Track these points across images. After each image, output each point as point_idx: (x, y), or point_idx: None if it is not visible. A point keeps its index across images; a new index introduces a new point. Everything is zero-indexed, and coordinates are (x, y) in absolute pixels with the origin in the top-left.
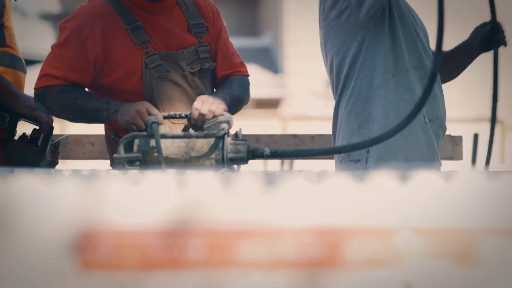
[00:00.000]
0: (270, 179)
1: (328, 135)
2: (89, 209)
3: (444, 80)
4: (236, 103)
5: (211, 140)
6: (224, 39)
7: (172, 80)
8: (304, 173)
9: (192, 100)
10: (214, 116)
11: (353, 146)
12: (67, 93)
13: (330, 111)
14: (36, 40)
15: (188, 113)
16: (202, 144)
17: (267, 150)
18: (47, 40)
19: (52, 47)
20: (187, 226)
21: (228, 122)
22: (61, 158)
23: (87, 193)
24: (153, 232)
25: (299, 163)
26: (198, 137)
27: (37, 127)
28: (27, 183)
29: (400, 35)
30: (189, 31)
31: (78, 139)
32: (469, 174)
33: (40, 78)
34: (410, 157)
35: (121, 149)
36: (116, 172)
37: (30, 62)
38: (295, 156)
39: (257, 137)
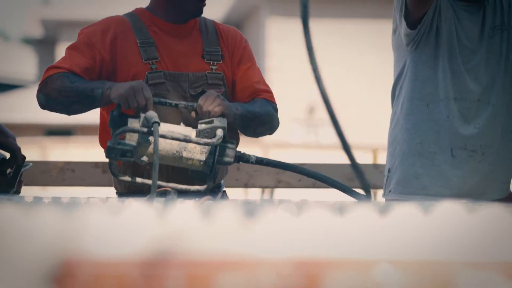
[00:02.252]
0: (250, 209)
1: (309, 164)
2: (68, 239)
3: None
4: (252, 118)
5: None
6: (246, 67)
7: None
8: (284, 205)
9: (188, 121)
10: (209, 115)
11: (332, 182)
12: (66, 78)
13: (312, 139)
14: (18, 64)
15: (179, 102)
16: (195, 145)
17: (253, 157)
18: (29, 65)
19: (66, 49)
20: (167, 257)
21: (224, 128)
22: (42, 185)
23: (66, 222)
24: (132, 263)
25: (279, 193)
26: (198, 143)
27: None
28: (6, 211)
29: (441, 66)
30: (202, 57)
31: (59, 166)
32: (448, 206)
33: (45, 72)
34: (427, 186)
35: (117, 139)
36: (96, 200)
37: (12, 87)
38: (278, 167)
39: (237, 166)
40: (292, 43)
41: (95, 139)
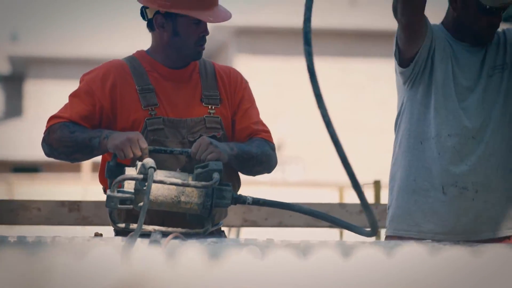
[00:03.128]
0: (214, 251)
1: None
2: (33, 279)
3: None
4: (248, 159)
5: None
6: (245, 109)
7: (166, 146)
8: (248, 248)
9: (184, 167)
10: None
11: (331, 219)
12: (66, 127)
13: (279, 176)
14: None
15: (173, 149)
16: (192, 189)
17: (249, 198)
18: None
19: (68, 96)
20: None
21: (220, 171)
22: (7, 223)
23: (31, 263)
24: None
25: (246, 232)
26: (195, 187)
27: None
28: None
29: (434, 104)
30: (201, 101)
31: (25, 205)
32: (411, 248)
33: (48, 121)
34: (420, 223)
35: (115, 188)
36: (62, 239)
37: None
38: (275, 206)
39: None
40: (260, 80)
41: (62, 176)
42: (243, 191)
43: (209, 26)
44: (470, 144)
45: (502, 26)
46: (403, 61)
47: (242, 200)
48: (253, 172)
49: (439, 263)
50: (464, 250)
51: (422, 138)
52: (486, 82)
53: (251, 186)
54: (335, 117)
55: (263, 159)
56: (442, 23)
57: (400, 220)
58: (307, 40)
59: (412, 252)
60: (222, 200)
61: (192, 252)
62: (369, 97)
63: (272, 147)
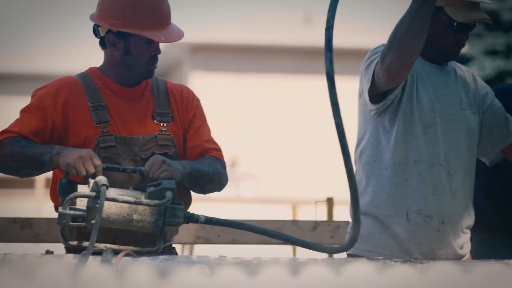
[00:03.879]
0: (163, 270)
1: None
2: None
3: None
4: (200, 177)
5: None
6: (197, 127)
7: (119, 163)
8: (197, 266)
9: (137, 185)
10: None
11: (285, 236)
12: (17, 142)
13: (233, 192)
14: None
15: (126, 167)
16: (145, 208)
17: (202, 217)
18: None
19: (20, 111)
20: None
21: (173, 190)
22: None
23: None
24: None
25: (199, 249)
26: (148, 205)
27: None
28: None
29: (402, 132)
30: (153, 118)
31: None
32: (358, 266)
33: None
34: (383, 245)
35: (67, 205)
36: (13, 257)
37: None
38: (228, 226)
39: None
40: (214, 97)
41: (15, 192)
42: (197, 207)
43: (163, 43)
44: (436, 172)
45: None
46: (374, 97)
47: (194, 219)
48: (204, 190)
49: (387, 281)
50: (412, 268)
51: (387, 165)
52: (456, 114)
53: (205, 202)
54: (288, 133)
55: (214, 177)
56: None
57: (363, 241)
58: (329, 47)
59: (360, 270)
60: (174, 218)
61: (141, 271)
62: (323, 114)
63: (223, 165)
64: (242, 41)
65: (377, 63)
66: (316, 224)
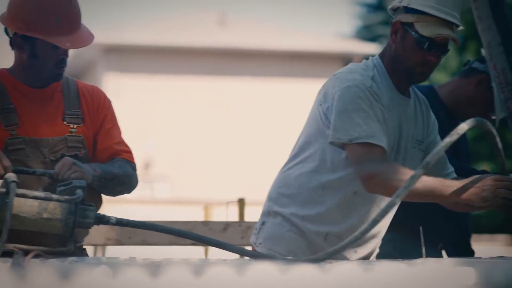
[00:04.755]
0: (67, 271)
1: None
2: None
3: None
4: (111, 179)
5: (64, 204)
6: (108, 128)
7: (28, 166)
8: (100, 268)
9: (47, 188)
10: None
11: (197, 237)
12: None
13: (147, 194)
14: None
15: (36, 170)
16: (55, 206)
17: (113, 219)
18: None
19: None
20: None
21: (83, 188)
22: None
23: None
24: None
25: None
26: (58, 200)
27: None
28: None
29: (349, 161)
30: (63, 120)
31: None
32: (261, 266)
33: None
34: (297, 253)
35: None
36: None
37: None
38: (139, 227)
39: None
40: (129, 98)
41: None
42: (111, 209)
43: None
44: (371, 206)
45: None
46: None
47: (105, 220)
48: (114, 193)
49: (288, 280)
50: (315, 268)
51: (326, 187)
52: (407, 152)
53: (119, 204)
54: (202, 135)
55: (125, 179)
56: (380, 55)
57: (279, 243)
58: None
59: (263, 270)
60: (85, 219)
61: (44, 273)
62: (237, 116)
63: (134, 168)
64: (157, 43)
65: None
66: (227, 225)
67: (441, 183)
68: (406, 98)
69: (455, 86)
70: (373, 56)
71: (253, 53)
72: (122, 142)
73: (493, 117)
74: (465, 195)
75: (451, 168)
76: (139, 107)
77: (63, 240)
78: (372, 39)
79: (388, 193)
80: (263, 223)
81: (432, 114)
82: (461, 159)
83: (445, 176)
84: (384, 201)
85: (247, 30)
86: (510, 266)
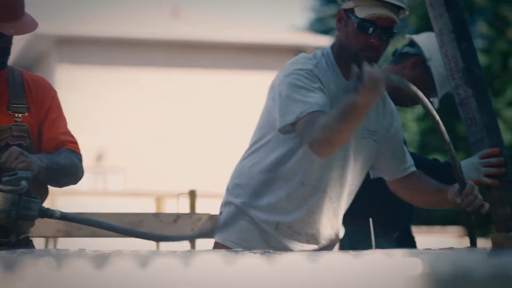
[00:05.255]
0: (11, 262)
1: (100, 214)
2: None
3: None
4: (58, 169)
5: (8, 195)
6: (53, 119)
7: None
8: (44, 259)
9: None
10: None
11: (142, 234)
12: None
13: (99, 186)
14: None
15: None
16: None
17: (57, 213)
18: None
19: None
20: None
21: (28, 179)
22: None
23: None
24: None
25: (64, 243)
26: (1, 191)
27: None
28: None
29: (301, 151)
30: (7, 109)
31: None
32: (207, 257)
33: None
34: (249, 241)
35: None
36: None
37: None
38: (85, 223)
39: None
40: (82, 90)
41: None
42: (64, 200)
43: (29, 35)
44: (320, 197)
45: None
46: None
47: (49, 214)
48: (60, 184)
49: (234, 271)
50: (261, 259)
51: (275, 177)
52: (356, 141)
53: (72, 195)
54: (155, 127)
55: (71, 170)
56: (331, 46)
57: (232, 231)
58: None
59: (208, 261)
60: (28, 211)
61: None
62: (190, 108)
63: (80, 158)
64: (110, 34)
65: (302, 119)
66: (177, 217)
67: (345, 101)
68: None
69: (390, 73)
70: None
71: (206, 45)
72: (67, 133)
73: (432, 99)
74: (366, 93)
75: (410, 161)
76: (92, 99)
77: (5, 231)
78: (325, 31)
79: (329, 145)
80: (220, 213)
81: (389, 103)
82: None
83: (404, 170)
84: (334, 190)
85: (200, 22)
86: (456, 257)
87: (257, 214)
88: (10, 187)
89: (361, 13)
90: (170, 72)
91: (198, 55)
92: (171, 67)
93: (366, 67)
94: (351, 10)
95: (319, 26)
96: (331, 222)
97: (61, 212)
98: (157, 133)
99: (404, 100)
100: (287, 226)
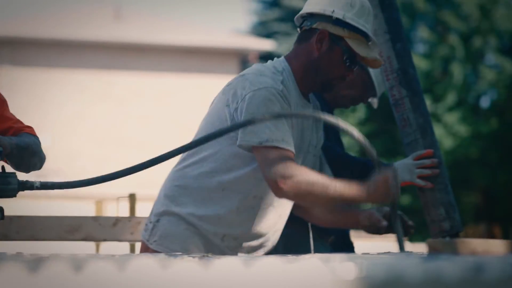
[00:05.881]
0: None
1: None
2: None
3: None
4: (26, 148)
5: None
6: (2, 112)
7: None
8: None
9: None
10: None
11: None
12: None
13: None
14: None
15: None
16: None
17: (37, 183)
18: None
19: None
20: None
21: (0, 153)
22: None
23: None
24: None
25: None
26: None
27: None
28: None
29: (255, 165)
30: None
31: None
32: (141, 260)
33: None
34: (192, 252)
35: None
36: None
37: None
38: (65, 187)
39: None
40: (22, 92)
41: None
42: (2, 204)
43: None
44: (269, 211)
45: None
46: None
47: (29, 186)
48: (30, 165)
49: (170, 275)
50: (196, 262)
51: (226, 188)
52: (304, 157)
53: (11, 199)
54: (95, 129)
55: (36, 149)
56: (287, 59)
57: (175, 241)
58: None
59: (144, 265)
60: (7, 186)
61: None
62: (132, 111)
63: (39, 140)
64: (51, 36)
65: (267, 146)
66: (117, 220)
67: (351, 187)
68: (308, 104)
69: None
70: (268, 52)
71: (148, 48)
72: (20, 121)
73: (370, 100)
74: (376, 197)
75: (329, 173)
76: (33, 101)
77: None
78: (268, 35)
79: (298, 198)
80: (157, 221)
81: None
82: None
83: None
84: (283, 207)
85: (142, 25)
86: (391, 262)
87: (204, 225)
88: None
89: (361, 50)
90: (112, 74)
91: (140, 58)
92: (113, 69)
93: (392, 176)
94: (339, 38)
95: (261, 29)
96: (276, 233)
97: (40, 182)
98: (97, 135)
99: (344, 102)
100: (234, 237)
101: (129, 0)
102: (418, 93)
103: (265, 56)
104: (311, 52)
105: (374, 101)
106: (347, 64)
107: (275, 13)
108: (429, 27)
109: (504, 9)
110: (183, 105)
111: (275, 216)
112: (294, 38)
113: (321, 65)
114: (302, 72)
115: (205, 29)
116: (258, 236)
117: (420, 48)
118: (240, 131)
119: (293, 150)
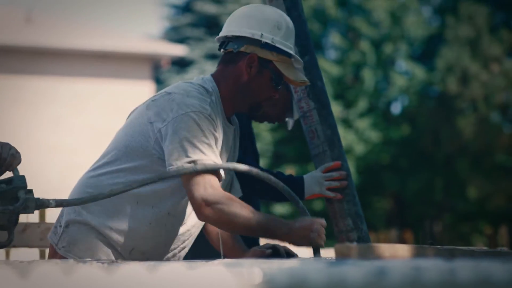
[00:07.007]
0: None
1: None
2: None
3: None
4: None
5: (5, 211)
6: None
7: None
8: None
9: None
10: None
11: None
12: None
13: None
14: None
15: None
16: None
17: (52, 203)
18: None
19: None
20: None
21: (25, 189)
22: None
23: None
24: None
25: None
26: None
27: None
28: None
29: (172, 185)
30: None
31: None
32: (45, 266)
33: None
34: (94, 257)
35: None
36: None
37: None
38: (82, 203)
39: None
40: None
41: None
42: None
43: None
44: (181, 230)
45: None
46: None
47: (45, 205)
48: None
49: (73, 282)
50: (100, 268)
51: (140, 201)
52: (224, 179)
53: None
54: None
55: None
56: (216, 78)
57: (84, 249)
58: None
59: (47, 271)
60: (26, 210)
61: None
62: (43, 116)
63: None
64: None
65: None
66: (26, 226)
67: (274, 222)
68: (231, 126)
69: None
70: (180, 57)
71: (59, 52)
72: None
73: (287, 119)
74: (295, 238)
75: (237, 187)
76: None
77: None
78: (180, 40)
79: (219, 225)
80: (67, 226)
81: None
82: (247, 156)
83: None
84: (196, 227)
85: (54, 29)
86: (295, 267)
87: (114, 236)
88: (9, 207)
89: (292, 74)
90: (22, 79)
91: (52, 62)
92: (24, 74)
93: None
94: (268, 61)
95: (173, 35)
96: (184, 250)
97: (55, 200)
98: (8, 140)
99: (261, 119)
100: (141, 252)
101: (40, 3)
102: (326, 105)
103: (178, 62)
104: (240, 75)
105: (290, 122)
106: (274, 85)
107: (187, 18)
108: (341, 33)
109: (415, 16)
110: (95, 110)
111: (186, 235)
112: (206, 44)
113: (251, 88)
114: (230, 95)
115: (118, 34)
116: (166, 252)
117: (331, 54)
118: (167, 153)
119: (223, 174)
